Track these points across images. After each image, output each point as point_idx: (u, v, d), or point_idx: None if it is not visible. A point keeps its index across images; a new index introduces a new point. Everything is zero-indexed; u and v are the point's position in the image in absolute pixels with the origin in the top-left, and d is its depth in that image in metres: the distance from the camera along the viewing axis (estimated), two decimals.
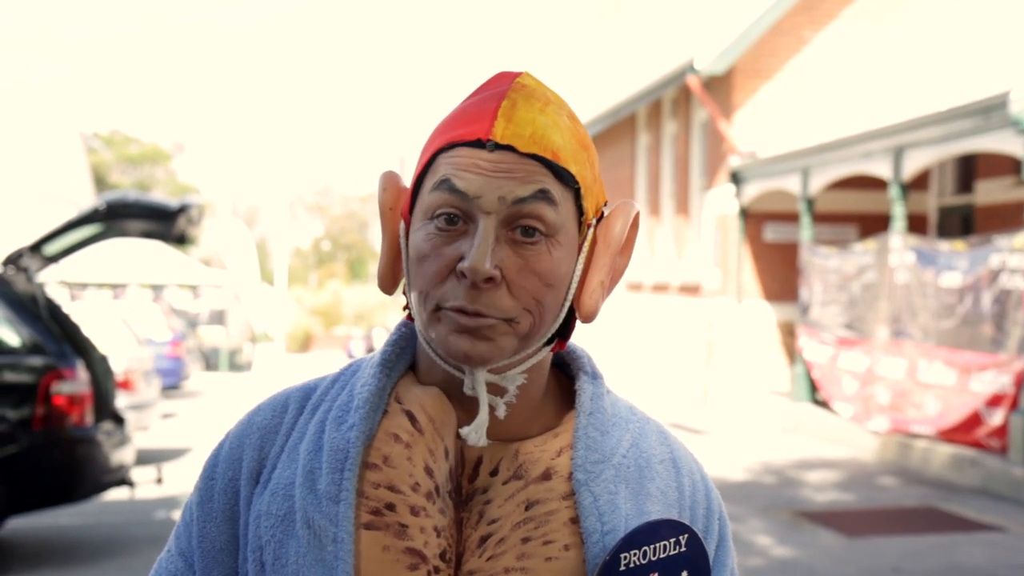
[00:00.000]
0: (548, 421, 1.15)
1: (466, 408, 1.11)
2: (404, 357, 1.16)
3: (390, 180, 1.12)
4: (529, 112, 1.05)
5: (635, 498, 1.12)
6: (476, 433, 1.07)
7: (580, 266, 1.09)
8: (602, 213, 1.13)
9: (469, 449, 1.11)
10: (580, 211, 1.08)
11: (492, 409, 1.10)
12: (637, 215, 1.12)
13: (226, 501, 1.15)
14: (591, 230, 1.10)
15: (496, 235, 1.03)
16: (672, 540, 1.08)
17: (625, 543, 1.06)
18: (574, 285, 1.09)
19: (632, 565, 1.06)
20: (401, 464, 1.09)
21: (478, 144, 1.04)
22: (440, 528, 1.08)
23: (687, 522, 1.13)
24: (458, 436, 1.11)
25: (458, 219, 1.04)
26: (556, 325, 1.10)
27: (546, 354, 1.12)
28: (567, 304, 1.09)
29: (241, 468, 1.15)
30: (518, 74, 1.09)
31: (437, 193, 1.04)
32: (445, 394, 1.12)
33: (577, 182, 1.06)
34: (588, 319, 1.10)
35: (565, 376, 1.20)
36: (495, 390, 1.10)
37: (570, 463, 1.11)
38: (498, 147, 1.03)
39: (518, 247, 1.04)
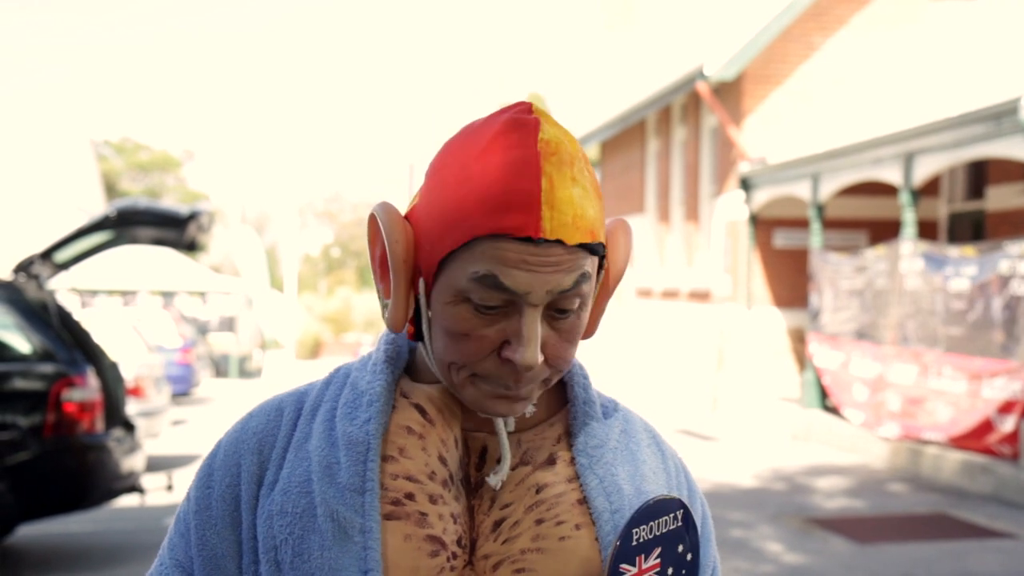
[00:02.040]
0: (540, 412, 1.20)
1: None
2: (402, 355, 1.19)
3: (400, 228, 1.09)
4: (565, 189, 1.03)
5: (632, 479, 1.18)
6: (500, 479, 1.13)
7: (592, 301, 1.13)
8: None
9: (473, 439, 1.16)
10: (601, 265, 1.13)
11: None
12: (631, 233, 1.17)
13: (225, 507, 1.15)
14: (603, 271, 1.14)
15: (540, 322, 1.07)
16: (671, 516, 1.13)
17: (634, 520, 1.10)
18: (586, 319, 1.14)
19: (641, 540, 1.10)
20: (417, 454, 1.12)
21: (526, 240, 1.02)
22: (456, 515, 1.12)
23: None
24: (463, 427, 1.16)
25: (499, 306, 1.05)
26: None
27: None
28: None
29: (240, 473, 1.16)
30: (536, 124, 1.05)
31: (481, 287, 1.04)
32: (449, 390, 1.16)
33: (605, 248, 1.10)
34: (588, 337, 1.17)
35: None
36: None
37: (570, 449, 1.17)
38: (547, 241, 1.03)
39: (555, 322, 1.08)
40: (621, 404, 1.26)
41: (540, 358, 1.05)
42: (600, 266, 1.12)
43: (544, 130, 1.05)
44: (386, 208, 1.10)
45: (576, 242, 1.04)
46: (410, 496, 1.10)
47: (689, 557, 1.15)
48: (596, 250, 1.08)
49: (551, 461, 1.15)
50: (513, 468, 1.14)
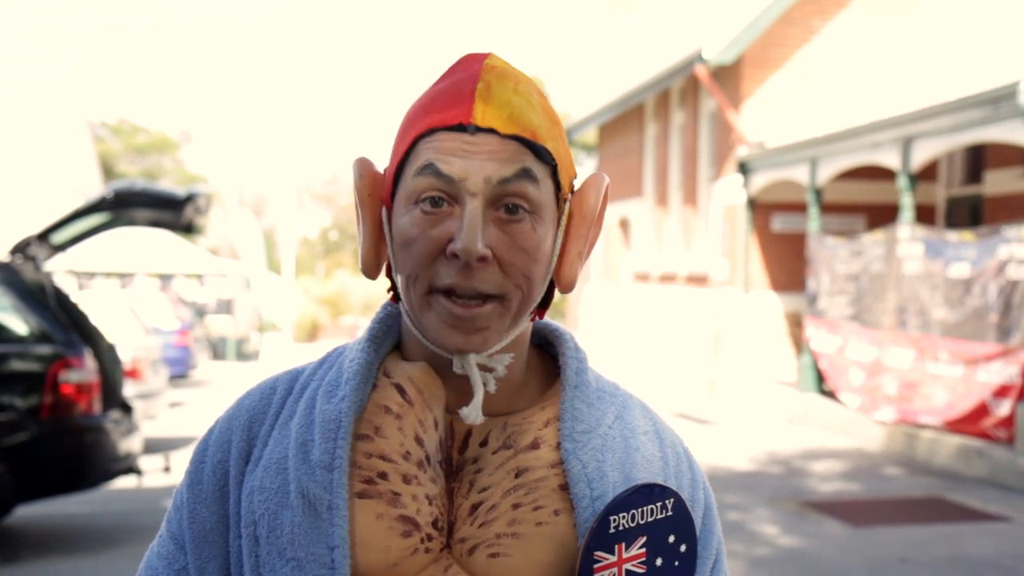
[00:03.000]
0: (533, 397, 1.18)
1: (452, 384, 1.14)
2: (391, 335, 1.18)
3: (365, 166, 1.14)
4: (504, 93, 1.08)
5: (622, 466, 1.14)
6: (474, 413, 1.10)
7: (560, 239, 1.12)
8: (573, 186, 1.16)
9: (458, 422, 1.14)
10: (557, 187, 1.11)
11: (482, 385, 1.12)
12: (607, 186, 1.16)
13: (215, 482, 1.17)
14: (567, 204, 1.13)
15: (483, 216, 1.05)
16: (659, 504, 1.11)
17: (614, 506, 1.08)
18: (555, 258, 1.12)
19: (621, 528, 1.08)
20: (392, 434, 1.11)
21: (459, 128, 1.06)
22: (432, 496, 1.10)
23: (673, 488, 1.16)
24: (447, 408, 1.14)
25: (443, 201, 1.06)
26: (540, 298, 1.13)
27: (527, 325, 1.15)
28: (549, 276, 1.13)
29: (230, 449, 1.17)
30: (485, 56, 1.12)
31: (422, 178, 1.06)
32: (432, 368, 1.14)
33: (554, 159, 1.10)
34: (567, 289, 1.14)
35: (547, 355, 1.23)
36: (484, 368, 1.13)
37: (557, 433, 1.14)
38: (480, 130, 1.06)
39: (504, 225, 1.06)
40: (622, 389, 1.24)
41: (483, 248, 1.04)
42: (557, 186, 1.10)
43: (492, 59, 1.12)
44: (358, 158, 1.15)
45: (510, 132, 1.06)
46: (383, 475, 1.10)
47: (683, 548, 1.13)
48: (541, 153, 1.08)
49: (535, 445, 1.13)
50: (495, 452, 1.12)
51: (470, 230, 1.03)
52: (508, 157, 1.06)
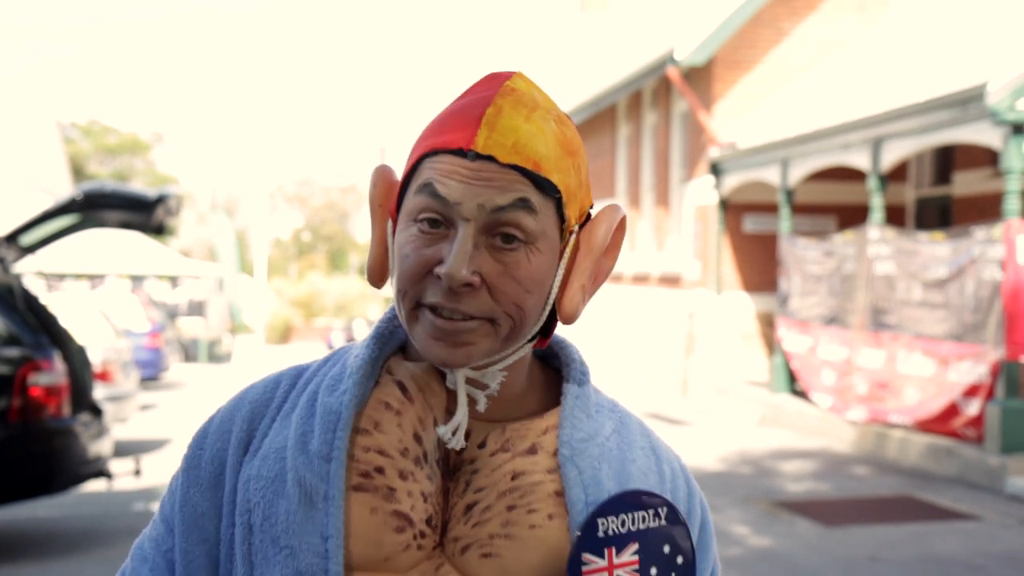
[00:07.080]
0: (533, 408, 1.18)
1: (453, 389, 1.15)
2: (397, 334, 1.20)
3: (381, 175, 1.15)
4: (514, 120, 1.07)
5: (617, 477, 1.15)
6: (455, 434, 1.11)
7: (561, 271, 1.11)
8: (588, 216, 1.15)
9: None
10: (562, 219, 1.10)
11: (473, 402, 1.14)
12: (623, 219, 1.16)
13: (213, 469, 1.18)
14: (573, 236, 1.12)
15: (475, 242, 1.06)
16: (651, 511, 1.11)
17: (603, 508, 1.09)
18: (555, 289, 1.12)
19: (611, 532, 1.09)
20: (391, 430, 1.12)
21: (460, 153, 1.06)
22: (427, 494, 1.11)
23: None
24: (447, 409, 1.14)
25: (440, 223, 1.07)
26: (538, 326, 1.13)
27: (527, 351, 1.15)
28: (548, 307, 1.12)
29: (230, 438, 1.18)
30: (509, 76, 1.11)
31: (420, 197, 1.07)
32: (435, 370, 1.15)
33: (559, 191, 1.09)
34: (568, 321, 1.13)
35: (551, 367, 1.23)
36: (476, 384, 1.14)
37: (556, 441, 1.15)
38: (479, 157, 1.06)
39: (497, 253, 1.07)
40: (621, 406, 1.25)
41: (468, 274, 1.04)
42: (562, 219, 1.10)
43: (514, 80, 1.11)
44: (378, 166, 1.16)
45: (510, 162, 1.06)
46: (380, 470, 1.10)
47: (680, 560, 1.12)
48: (541, 183, 1.07)
49: (533, 451, 1.13)
50: (492, 454, 1.13)
51: (457, 255, 1.04)
52: (505, 186, 1.06)
